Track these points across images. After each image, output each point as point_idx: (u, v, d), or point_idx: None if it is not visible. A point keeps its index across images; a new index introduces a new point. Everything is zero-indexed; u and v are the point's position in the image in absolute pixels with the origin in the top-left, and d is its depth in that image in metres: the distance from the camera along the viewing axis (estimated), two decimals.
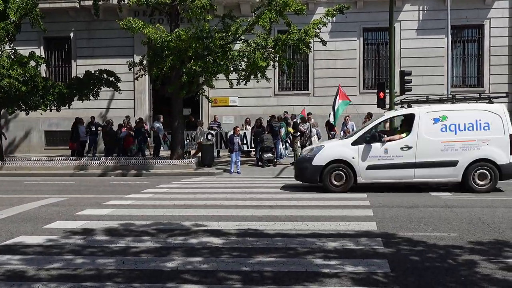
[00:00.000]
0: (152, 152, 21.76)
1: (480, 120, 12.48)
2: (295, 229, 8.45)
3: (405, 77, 18.19)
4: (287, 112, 22.83)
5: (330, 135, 21.06)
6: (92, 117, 23.39)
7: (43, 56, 23.97)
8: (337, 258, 6.64)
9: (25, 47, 22.63)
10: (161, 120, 21.68)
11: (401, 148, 12.54)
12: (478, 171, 12.40)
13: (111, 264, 6.50)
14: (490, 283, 5.61)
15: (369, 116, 21.30)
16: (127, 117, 23.41)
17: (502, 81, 23.82)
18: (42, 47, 25.74)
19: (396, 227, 8.45)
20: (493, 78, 23.90)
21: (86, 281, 5.81)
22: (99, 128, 22.99)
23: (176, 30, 17.46)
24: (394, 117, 14.68)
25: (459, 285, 5.56)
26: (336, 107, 20.95)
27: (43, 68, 24.84)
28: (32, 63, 20.40)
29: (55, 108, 21.15)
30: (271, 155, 19.56)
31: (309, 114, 22.03)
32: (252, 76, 18.54)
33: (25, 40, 23.46)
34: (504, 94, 14.16)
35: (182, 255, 6.88)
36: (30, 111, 21.22)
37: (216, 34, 17.42)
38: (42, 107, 20.48)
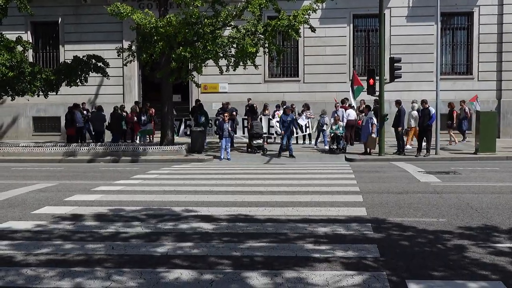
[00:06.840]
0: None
1: None
2: (286, 214, 8.46)
3: (395, 64, 18.15)
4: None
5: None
6: (83, 103, 23.18)
7: (30, 41, 23.60)
8: (327, 243, 6.66)
9: (12, 32, 22.23)
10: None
11: None
12: None
13: (100, 249, 6.48)
14: (478, 267, 5.66)
15: (364, 103, 21.23)
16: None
17: (490, 69, 23.89)
18: (29, 32, 25.35)
19: (386, 213, 8.49)
20: (481, 66, 23.96)
21: (75, 266, 5.78)
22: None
23: (166, 16, 17.26)
24: None
25: (448, 269, 5.61)
26: (353, 93, 20.45)
27: (30, 53, 24.51)
28: (19, 48, 20.11)
29: (43, 94, 20.91)
30: (261, 142, 19.54)
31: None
32: (241, 63, 18.42)
33: (12, 25, 23.08)
34: None
35: (172, 240, 6.86)
36: (17, 97, 20.97)
37: (206, 20, 17.26)
38: (29, 93, 20.23)
